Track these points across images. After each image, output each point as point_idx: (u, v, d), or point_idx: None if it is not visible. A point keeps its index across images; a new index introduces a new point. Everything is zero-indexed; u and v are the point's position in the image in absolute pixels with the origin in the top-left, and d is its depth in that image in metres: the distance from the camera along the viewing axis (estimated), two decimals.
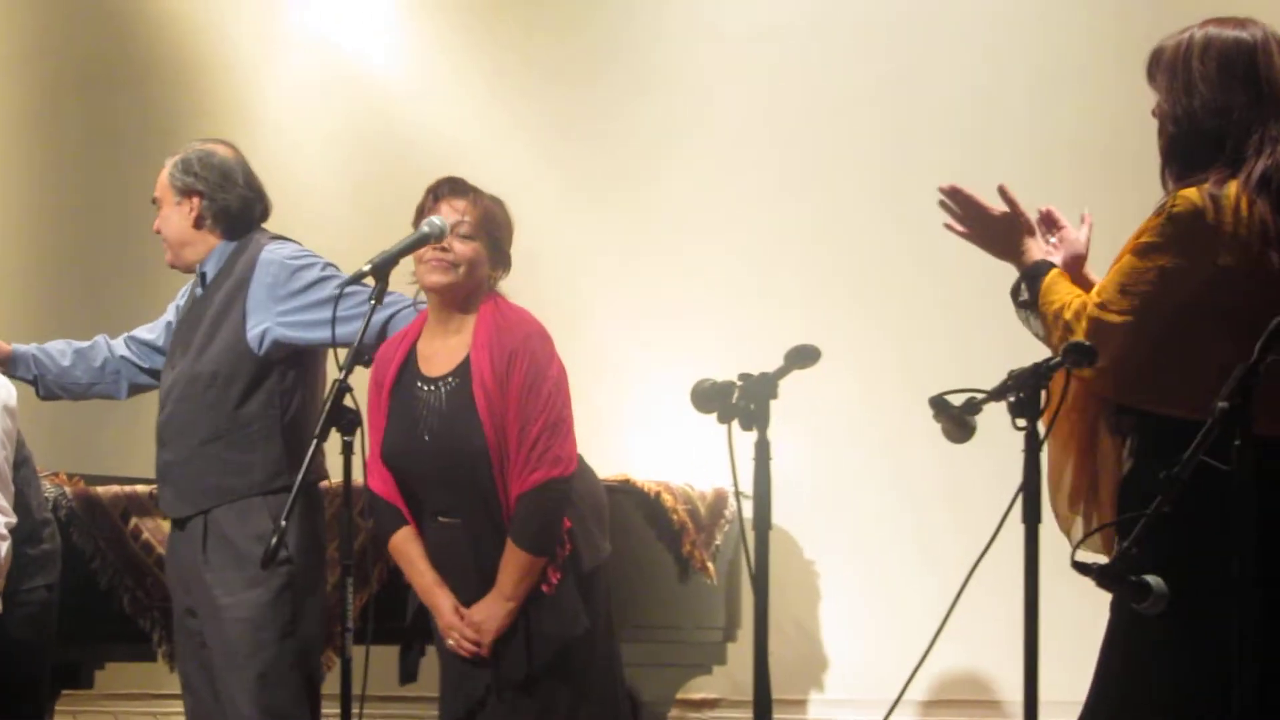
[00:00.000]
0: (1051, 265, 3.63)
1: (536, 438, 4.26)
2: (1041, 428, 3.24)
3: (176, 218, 4.75)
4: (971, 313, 5.67)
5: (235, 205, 4.74)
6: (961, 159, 5.69)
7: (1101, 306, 3.50)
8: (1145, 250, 3.50)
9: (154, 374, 4.92)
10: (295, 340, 4.62)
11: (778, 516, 5.65)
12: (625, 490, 5.21)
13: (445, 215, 4.30)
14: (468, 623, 4.30)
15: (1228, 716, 3.02)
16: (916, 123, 5.92)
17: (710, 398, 3.62)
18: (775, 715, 5.70)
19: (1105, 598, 3.38)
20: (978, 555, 3.22)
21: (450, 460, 4.31)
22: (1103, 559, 3.30)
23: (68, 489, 5.20)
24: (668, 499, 5.32)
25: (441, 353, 4.39)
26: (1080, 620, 3.76)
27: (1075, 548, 3.28)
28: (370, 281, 4.16)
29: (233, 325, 4.63)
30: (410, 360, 4.42)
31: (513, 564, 4.26)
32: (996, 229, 3.67)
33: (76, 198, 6.99)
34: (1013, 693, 3.97)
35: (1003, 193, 3.67)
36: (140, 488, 5.26)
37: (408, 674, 4.60)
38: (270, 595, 4.54)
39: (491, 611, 4.28)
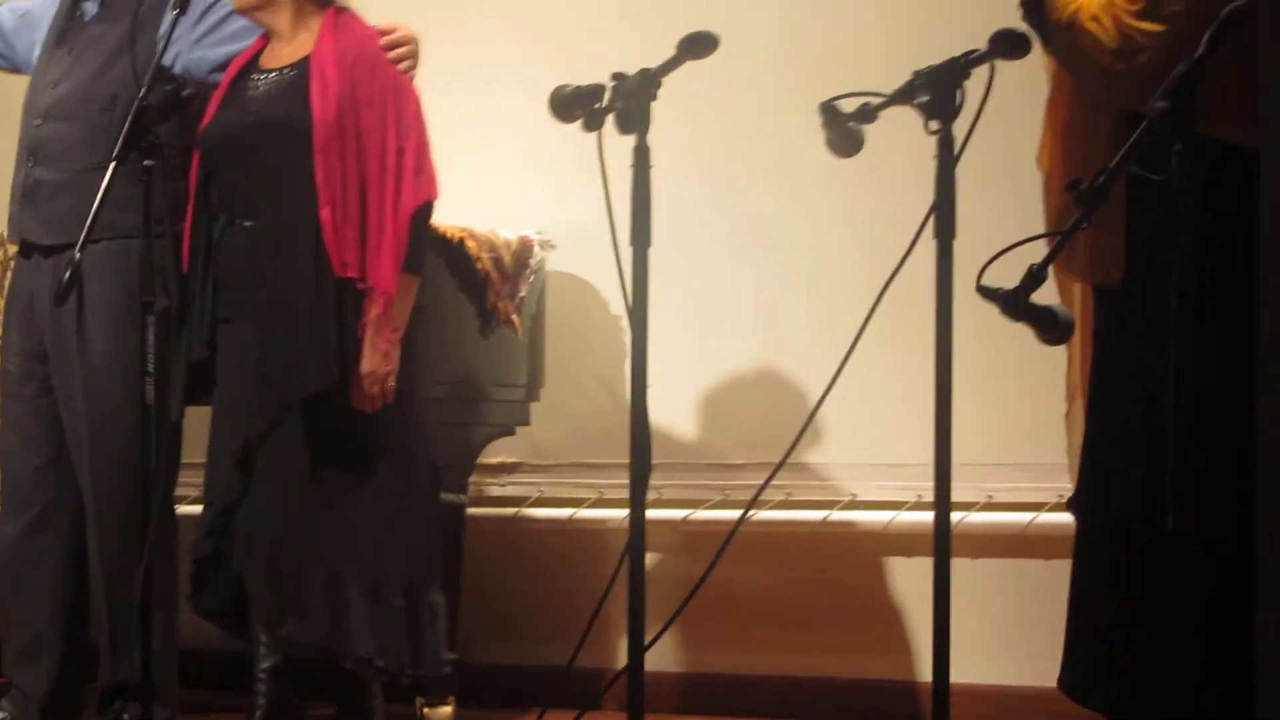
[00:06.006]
0: None
1: (416, 155, 4.06)
2: (956, 132, 2.91)
3: None
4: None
5: None
6: None
7: (1136, 13, 3.28)
8: None
9: None
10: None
11: (581, 260, 5.23)
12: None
13: None
14: (362, 377, 4.02)
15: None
16: None
17: (573, 103, 3.16)
18: (575, 479, 5.39)
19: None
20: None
21: (267, 136, 4.06)
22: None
23: None
24: (471, 245, 4.86)
25: (283, 53, 4.21)
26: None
27: (982, 271, 2.92)
28: None
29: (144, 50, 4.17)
30: (253, 61, 4.25)
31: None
32: None
33: None
34: (915, 454, 3.59)
35: None
36: None
37: None
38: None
39: (383, 347, 4.04)
